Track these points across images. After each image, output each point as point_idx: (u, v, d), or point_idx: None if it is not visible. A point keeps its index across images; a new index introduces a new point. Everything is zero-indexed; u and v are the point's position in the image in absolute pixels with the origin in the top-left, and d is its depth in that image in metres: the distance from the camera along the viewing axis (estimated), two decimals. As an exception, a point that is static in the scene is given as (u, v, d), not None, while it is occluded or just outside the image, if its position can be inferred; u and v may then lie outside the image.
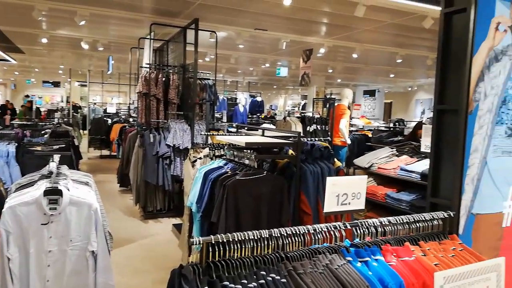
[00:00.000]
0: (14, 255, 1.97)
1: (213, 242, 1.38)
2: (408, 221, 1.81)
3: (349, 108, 6.86)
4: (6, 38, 8.80)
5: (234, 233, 1.44)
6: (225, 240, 1.40)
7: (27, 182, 2.30)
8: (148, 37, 6.20)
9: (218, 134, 4.33)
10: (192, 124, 5.46)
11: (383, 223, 1.79)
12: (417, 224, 1.83)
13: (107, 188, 7.32)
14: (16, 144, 3.74)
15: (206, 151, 3.41)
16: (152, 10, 6.21)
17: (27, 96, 20.51)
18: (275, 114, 13.23)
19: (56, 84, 21.84)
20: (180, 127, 5.51)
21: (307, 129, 7.16)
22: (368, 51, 8.99)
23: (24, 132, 4.83)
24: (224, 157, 3.12)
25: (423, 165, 3.99)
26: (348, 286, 1.42)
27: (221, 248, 1.42)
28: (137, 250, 4.47)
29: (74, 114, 14.39)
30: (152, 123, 5.66)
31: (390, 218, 1.81)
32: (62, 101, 22.74)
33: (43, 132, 5.04)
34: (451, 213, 1.89)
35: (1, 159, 3.51)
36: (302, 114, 9.26)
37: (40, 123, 6.66)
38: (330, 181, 1.85)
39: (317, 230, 1.69)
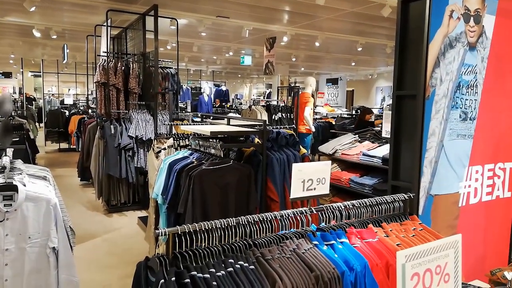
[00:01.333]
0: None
1: (180, 233, 1.36)
2: (371, 203, 1.87)
3: (313, 96, 6.96)
4: None
5: (200, 223, 1.42)
6: (191, 230, 1.38)
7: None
8: (105, 24, 5.94)
9: (182, 124, 4.26)
10: (155, 114, 5.32)
11: (347, 206, 1.84)
12: (380, 207, 1.90)
13: (67, 183, 7.04)
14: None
15: (170, 141, 3.34)
16: (109, -5, 5.95)
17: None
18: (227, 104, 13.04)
19: (7, 75, 20.62)
20: (143, 117, 5.36)
21: (273, 117, 7.21)
22: (329, 39, 9.13)
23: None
24: (189, 147, 3.07)
25: (384, 150, 4.12)
26: (315, 269, 1.45)
27: (188, 239, 1.40)
28: (101, 245, 4.34)
29: (29, 106, 13.64)
30: (112, 114, 5.47)
31: (354, 202, 1.86)
32: (14, 93, 21.48)
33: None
34: (411, 195, 1.97)
35: None
36: (267, 103, 9.30)
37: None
38: (296, 167, 1.86)
39: (284, 216, 1.71)
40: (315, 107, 9.21)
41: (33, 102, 14.64)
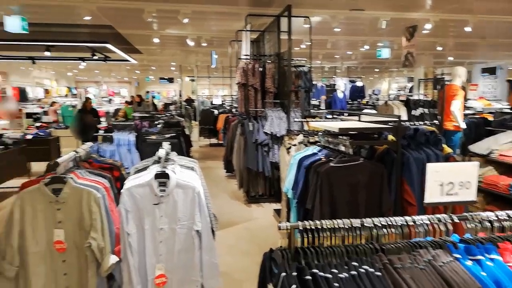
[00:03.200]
0: (132, 231, 2.24)
1: (301, 228, 1.38)
2: (534, 216, 1.55)
3: (463, 88, 6.12)
4: (126, 41, 9.97)
5: (322, 221, 1.42)
6: (313, 227, 1.39)
7: (142, 167, 2.59)
8: (245, 29, 6.39)
9: (312, 121, 4.28)
10: (288, 112, 5.49)
11: (501, 217, 1.56)
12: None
13: (215, 174, 7.85)
14: (136, 134, 4.25)
15: (300, 137, 3.40)
16: (247, 1, 6.36)
17: (148, 92, 23.07)
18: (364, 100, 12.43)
19: (171, 80, 24.21)
20: (277, 115, 5.60)
21: (412, 113, 6.61)
22: (483, 23, 7.84)
23: (143, 123, 5.44)
24: (319, 143, 3.07)
25: (559, 151, 3.37)
26: (454, 286, 1.28)
27: (310, 235, 1.41)
28: (243, 232, 4.72)
29: (187, 106, 15.73)
30: (251, 112, 5.86)
31: (510, 212, 1.57)
32: (175, 96, 25.04)
33: (156, 122, 5.61)
34: None
35: (124, 147, 4.03)
36: (407, 98, 8.58)
37: (158, 115, 7.43)
38: (432, 168, 1.68)
39: (418, 222, 1.56)
40: (466, 101, 8.08)
41: (192, 103, 16.84)
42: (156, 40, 8.80)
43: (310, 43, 6.35)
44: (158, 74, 23.67)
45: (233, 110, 10.32)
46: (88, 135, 6.17)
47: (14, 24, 5.98)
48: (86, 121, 7.95)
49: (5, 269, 2.12)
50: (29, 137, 7.55)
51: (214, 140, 12.09)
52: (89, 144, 3.04)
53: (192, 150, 8.05)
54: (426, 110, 6.58)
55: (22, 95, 15.67)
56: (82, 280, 2.23)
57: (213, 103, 14.42)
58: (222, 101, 14.59)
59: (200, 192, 2.30)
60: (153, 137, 4.32)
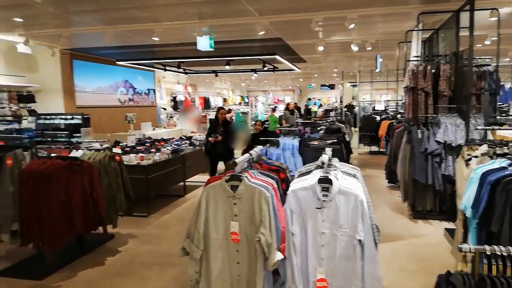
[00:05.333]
0: (296, 231, 2.34)
1: (489, 253, 1.19)
2: None
3: None
4: (292, 51, 10.57)
5: (518, 247, 1.19)
6: (505, 254, 1.18)
7: (306, 171, 2.69)
8: (416, 28, 5.92)
9: (499, 129, 3.63)
10: (467, 118, 4.81)
11: None
12: None
13: (375, 183, 7.54)
14: (299, 139, 4.45)
15: (484, 148, 2.93)
16: (420, -1, 5.89)
17: (309, 99, 23.89)
18: None
19: (332, 87, 24.48)
20: (452, 121, 4.97)
21: None
22: None
23: (305, 129, 5.67)
24: (509, 156, 2.59)
25: None
26: None
27: (500, 263, 1.20)
28: (404, 248, 4.39)
29: (347, 112, 15.57)
30: (419, 118, 5.38)
31: None
32: (335, 102, 25.17)
33: (318, 128, 5.74)
34: None
35: (289, 151, 4.27)
36: None
37: (319, 122, 7.60)
38: None
39: None
40: None
41: (353, 109, 16.59)
42: (320, 48, 9.02)
43: (497, 39, 5.43)
44: (320, 81, 24.23)
45: (398, 116, 9.68)
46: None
47: (204, 43, 7.09)
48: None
49: (193, 251, 2.51)
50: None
51: (374, 148, 11.60)
52: (260, 147, 3.34)
53: (351, 157, 7.91)
54: None
55: (206, 104, 18.40)
56: (252, 271, 2.46)
57: (375, 108, 13.84)
58: (385, 106, 13.86)
59: (363, 201, 2.24)
60: (315, 142, 4.44)
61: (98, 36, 7.61)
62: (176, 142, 7.57)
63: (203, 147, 7.10)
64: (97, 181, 4.02)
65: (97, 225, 4.06)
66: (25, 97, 9.37)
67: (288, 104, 12.72)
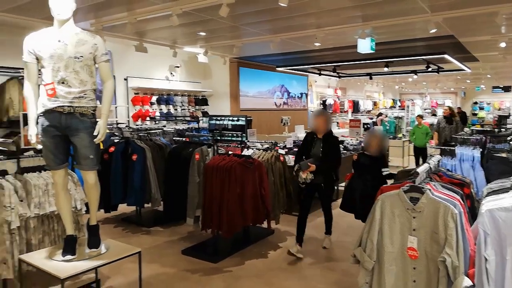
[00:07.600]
0: (491, 257, 2.04)
1: None
2: None
3: None
4: (463, 49, 9.35)
5: None
6: None
7: (498, 188, 2.34)
8: None
9: None
10: None
11: None
12: None
13: None
14: (481, 150, 3.89)
15: None
16: None
17: (475, 103, 20.86)
18: None
19: (507, 89, 20.81)
20: None
21: None
22: None
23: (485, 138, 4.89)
24: None
25: None
26: None
27: None
28: None
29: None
30: None
31: None
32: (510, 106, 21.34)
33: (509, 138, 4.87)
34: None
35: (468, 163, 3.78)
36: None
37: (495, 129, 6.49)
38: None
39: None
40: None
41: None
42: (502, 45, 7.75)
43: None
44: (492, 83, 20.82)
45: None
46: None
47: (365, 45, 6.90)
48: None
49: (365, 260, 2.45)
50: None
51: None
52: (438, 157, 3.05)
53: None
54: None
55: (355, 107, 17.97)
56: (431, 291, 2.26)
57: None
58: None
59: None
60: (503, 154, 3.82)
61: (264, 45, 8.21)
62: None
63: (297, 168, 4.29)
64: (266, 178, 4.34)
65: (264, 218, 4.38)
66: (200, 100, 10.88)
67: (448, 109, 10.08)
